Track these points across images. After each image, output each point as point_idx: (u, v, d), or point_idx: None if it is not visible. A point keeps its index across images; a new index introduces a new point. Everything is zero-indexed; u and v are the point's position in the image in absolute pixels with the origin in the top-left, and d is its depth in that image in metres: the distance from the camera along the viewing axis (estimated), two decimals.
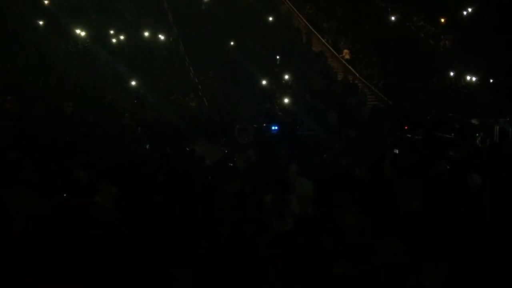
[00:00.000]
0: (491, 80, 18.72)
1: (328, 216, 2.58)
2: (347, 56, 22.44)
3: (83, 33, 20.11)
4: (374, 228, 2.46)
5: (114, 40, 20.51)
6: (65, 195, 5.27)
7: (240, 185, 6.37)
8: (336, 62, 22.92)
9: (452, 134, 15.09)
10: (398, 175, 6.28)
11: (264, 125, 16.05)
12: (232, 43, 21.44)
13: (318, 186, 6.90)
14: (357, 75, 21.68)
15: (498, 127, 14.23)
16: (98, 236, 1.52)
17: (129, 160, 8.21)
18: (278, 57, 21.79)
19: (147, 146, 11.79)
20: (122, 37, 20.60)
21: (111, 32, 20.49)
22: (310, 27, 24.17)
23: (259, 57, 20.86)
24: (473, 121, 15.31)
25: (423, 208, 3.63)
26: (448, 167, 7.25)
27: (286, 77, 20.60)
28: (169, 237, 4.80)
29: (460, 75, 19.72)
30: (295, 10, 25.56)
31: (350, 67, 22.06)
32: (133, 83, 18.61)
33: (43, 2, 20.59)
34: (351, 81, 21.17)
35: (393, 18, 23.30)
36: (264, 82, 19.78)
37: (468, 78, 19.43)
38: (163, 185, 6.74)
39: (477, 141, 14.77)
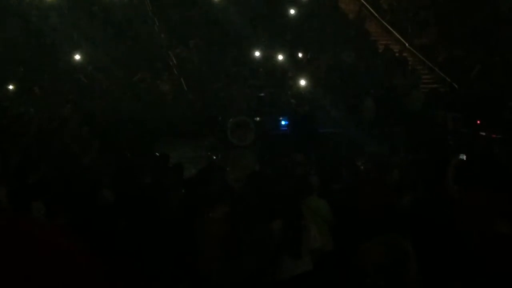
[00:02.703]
0: None
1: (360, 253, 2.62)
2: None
3: None
4: (434, 269, 2.49)
5: None
6: None
7: (233, 206, 6.38)
8: (375, 25, 22.96)
9: None
10: (466, 191, 6.27)
11: (270, 119, 16.05)
12: None
13: (347, 209, 6.91)
14: (407, 44, 21.69)
15: None
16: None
17: (69, 171, 8.23)
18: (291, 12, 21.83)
19: (96, 150, 11.77)
20: None
21: None
22: None
23: (263, 17, 20.89)
24: None
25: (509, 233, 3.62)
26: None
27: (302, 48, 20.62)
28: (134, 278, 4.88)
29: None
30: None
31: (396, 33, 22.09)
32: (78, 56, 18.63)
33: None
34: (397, 54, 21.19)
35: None
36: (269, 56, 19.78)
37: None
38: (122, 208, 6.76)
39: None
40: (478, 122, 15.91)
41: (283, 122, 15.55)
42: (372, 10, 23.38)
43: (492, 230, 3.77)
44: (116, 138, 13.34)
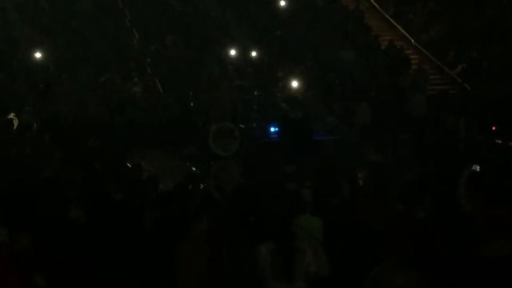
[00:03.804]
0: None
1: (364, 277, 2.65)
2: None
3: None
4: None
5: None
6: None
7: (216, 225, 6.40)
8: (377, 20, 23.07)
9: None
10: (481, 206, 6.31)
11: (258, 125, 16.07)
12: None
13: (345, 227, 6.94)
14: (412, 40, 21.82)
15: None
16: None
17: (28, 184, 8.22)
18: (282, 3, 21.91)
19: (59, 160, 11.74)
20: None
21: None
22: None
23: (249, 10, 20.93)
24: None
25: None
26: None
27: (295, 44, 20.68)
28: None
29: None
30: None
31: (400, 27, 22.20)
32: (37, 54, 18.59)
33: None
34: (402, 51, 21.28)
35: None
36: (256, 53, 19.82)
37: None
38: (89, 228, 6.76)
39: None
40: (494, 128, 16.00)
41: (272, 129, 15.57)
42: (373, 2, 23.48)
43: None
44: (81, 147, 13.31)
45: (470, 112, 16.80)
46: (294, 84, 18.32)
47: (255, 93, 18.04)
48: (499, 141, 15.20)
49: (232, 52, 19.76)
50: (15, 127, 14.08)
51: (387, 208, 7.54)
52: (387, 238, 6.51)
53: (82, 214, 6.85)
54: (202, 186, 10.14)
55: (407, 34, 22.04)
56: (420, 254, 5.76)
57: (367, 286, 2.53)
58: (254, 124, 16.12)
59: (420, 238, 6.46)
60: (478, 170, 8.52)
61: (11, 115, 14.66)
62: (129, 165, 11.52)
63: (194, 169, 13.48)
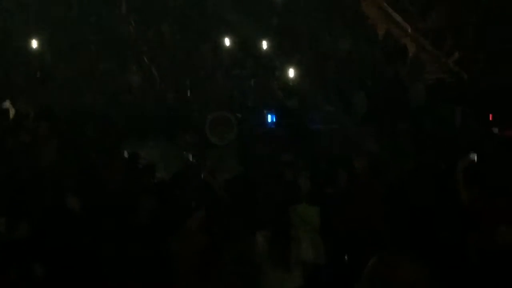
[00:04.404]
0: None
1: (361, 266, 2.63)
2: None
3: None
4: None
5: None
6: None
7: (213, 214, 6.39)
8: (374, 7, 23.01)
9: None
10: (478, 197, 6.31)
11: (254, 113, 16.06)
12: None
13: (343, 215, 6.95)
14: (409, 29, 21.77)
15: None
16: None
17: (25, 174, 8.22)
18: None
19: (56, 149, 11.74)
20: None
21: None
22: None
23: None
24: None
25: None
26: None
27: (292, 33, 20.64)
28: None
29: None
30: None
31: (397, 15, 22.15)
32: (33, 42, 18.52)
33: None
34: (399, 40, 21.26)
35: None
36: (253, 42, 19.78)
37: None
38: (85, 219, 6.75)
39: None
40: (491, 117, 16.00)
41: (269, 118, 15.56)
42: None
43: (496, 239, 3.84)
44: (78, 136, 13.30)
45: (467, 102, 16.79)
46: (291, 73, 18.30)
47: (252, 82, 18.01)
48: (496, 131, 15.22)
49: (229, 41, 19.71)
50: (11, 116, 14.07)
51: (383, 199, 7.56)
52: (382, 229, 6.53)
53: (78, 203, 6.84)
54: (199, 175, 10.14)
55: (403, 23, 21.98)
56: (418, 244, 5.77)
57: (365, 275, 2.52)
58: (253, 113, 16.08)
59: (418, 227, 6.48)
60: (475, 158, 8.53)
61: (7, 104, 14.65)
62: (125, 153, 11.52)
63: (190, 158, 13.45)
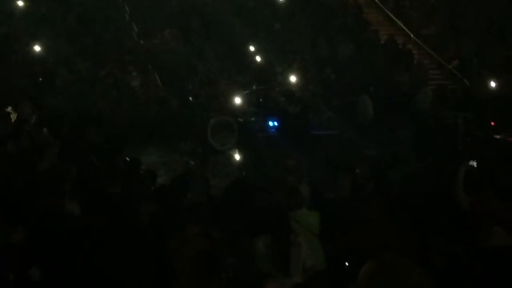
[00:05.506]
0: None
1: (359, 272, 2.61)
2: None
3: None
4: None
5: None
6: None
7: (213, 219, 6.38)
8: (376, 13, 23.02)
9: None
10: (479, 201, 6.29)
11: (256, 119, 16.05)
12: None
13: (343, 221, 6.93)
14: (412, 35, 21.78)
15: None
16: None
17: (25, 178, 8.19)
18: None
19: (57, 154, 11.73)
20: None
21: None
22: None
23: (248, 4, 20.89)
24: None
25: None
26: None
27: (293, 39, 20.65)
28: None
29: None
30: None
31: (399, 22, 22.16)
32: (36, 47, 18.55)
33: None
34: (401, 46, 21.26)
35: None
36: (255, 47, 19.80)
37: None
38: (85, 224, 6.73)
39: None
40: (492, 123, 15.97)
41: (271, 123, 15.55)
42: None
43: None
44: (79, 140, 13.28)
45: (469, 108, 16.78)
46: (293, 78, 18.31)
47: (254, 87, 18.02)
48: (497, 137, 15.20)
49: (231, 47, 19.75)
50: (13, 120, 14.06)
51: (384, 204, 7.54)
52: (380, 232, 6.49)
53: (78, 207, 6.83)
54: (200, 180, 10.13)
55: (406, 29, 21.99)
56: (414, 248, 5.73)
57: (361, 278, 2.51)
58: (253, 118, 16.09)
59: (415, 232, 6.46)
60: (475, 166, 8.53)
61: (9, 108, 14.64)
62: (126, 158, 11.51)
63: (191, 163, 13.44)
